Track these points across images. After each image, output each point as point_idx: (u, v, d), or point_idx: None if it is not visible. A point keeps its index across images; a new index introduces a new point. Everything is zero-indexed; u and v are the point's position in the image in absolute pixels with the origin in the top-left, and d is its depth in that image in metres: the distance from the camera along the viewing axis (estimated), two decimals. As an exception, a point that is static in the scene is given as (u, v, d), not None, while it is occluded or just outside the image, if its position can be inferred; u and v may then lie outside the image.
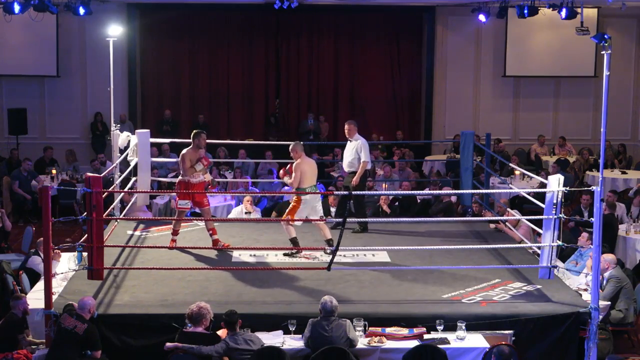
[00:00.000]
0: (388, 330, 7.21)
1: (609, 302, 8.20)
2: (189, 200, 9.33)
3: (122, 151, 10.91)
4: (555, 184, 7.75)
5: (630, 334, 8.70)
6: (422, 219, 11.37)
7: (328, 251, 8.95)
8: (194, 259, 9.15)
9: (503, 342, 7.04)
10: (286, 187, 10.48)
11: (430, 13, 18.12)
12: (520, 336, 7.38)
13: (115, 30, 11.51)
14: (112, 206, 10.28)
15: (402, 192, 12.81)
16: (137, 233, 10.24)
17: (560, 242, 7.87)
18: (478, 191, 11.22)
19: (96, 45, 16.68)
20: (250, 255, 9.28)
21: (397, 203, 12.66)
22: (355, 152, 10.19)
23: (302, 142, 9.47)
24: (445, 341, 7.09)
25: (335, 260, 8.09)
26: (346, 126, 10.30)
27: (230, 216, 11.78)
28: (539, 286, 8.19)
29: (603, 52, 7.17)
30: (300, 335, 7.13)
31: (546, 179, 8.34)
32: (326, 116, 18.44)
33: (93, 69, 17.38)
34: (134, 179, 10.88)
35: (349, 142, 10.33)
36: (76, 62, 17.53)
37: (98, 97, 17.17)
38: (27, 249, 10.60)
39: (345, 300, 7.58)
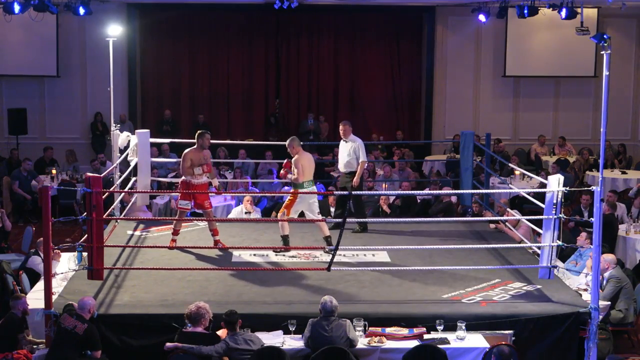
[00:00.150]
0: (388, 330, 7.21)
1: (609, 302, 8.20)
2: (190, 201, 9.32)
3: (122, 151, 10.91)
4: (555, 184, 7.75)
5: (630, 334, 8.70)
6: (422, 219, 11.36)
7: (327, 250, 8.97)
8: (194, 258, 9.15)
9: (503, 342, 7.05)
10: (286, 187, 10.49)
11: (430, 13, 18.12)
12: (520, 336, 7.38)
13: (115, 30, 11.51)
14: (112, 206, 10.28)
15: (402, 192, 12.81)
16: (137, 233, 10.23)
17: (560, 242, 7.88)
18: (478, 191, 11.22)
19: (96, 45, 16.67)
20: (250, 255, 9.29)
21: (395, 201, 12.65)
22: (352, 152, 10.21)
23: (297, 138, 9.48)
24: (445, 341, 7.09)
25: (335, 260, 8.09)
26: (341, 126, 10.32)
27: (230, 216, 11.78)
28: (539, 286, 8.19)
29: (603, 52, 7.17)
30: (300, 335, 7.13)
31: (546, 179, 8.34)
32: (326, 116, 18.45)
33: (93, 69, 17.39)
34: (133, 179, 10.88)
35: (343, 142, 10.35)
36: (76, 62, 17.54)
37: (98, 97, 17.17)
38: (27, 249, 10.60)
39: (345, 300, 7.58)
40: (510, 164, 12.45)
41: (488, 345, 7.06)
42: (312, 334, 6.99)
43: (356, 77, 18.82)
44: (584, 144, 17.25)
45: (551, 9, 15.35)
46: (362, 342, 7.09)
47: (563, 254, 9.51)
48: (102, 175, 7.92)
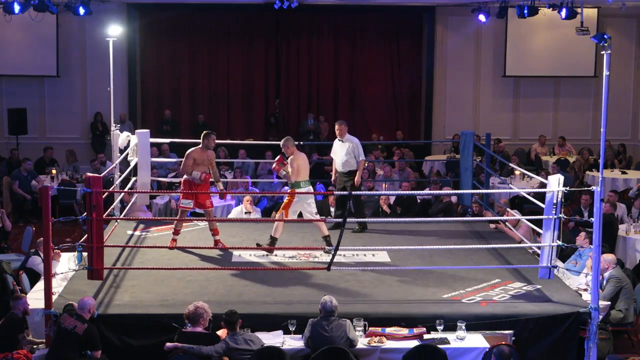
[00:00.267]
0: (388, 330, 7.21)
1: (609, 302, 8.20)
2: (192, 200, 9.33)
3: (122, 151, 10.91)
4: (555, 184, 7.75)
5: (630, 334, 8.70)
6: (422, 219, 11.36)
7: (327, 250, 8.97)
8: (194, 259, 9.15)
9: (503, 342, 7.05)
10: (286, 188, 10.49)
11: (430, 13, 18.12)
12: (520, 336, 7.38)
13: (115, 30, 11.51)
14: (112, 206, 10.28)
15: (402, 192, 12.80)
16: (137, 233, 10.23)
17: (560, 242, 7.88)
18: (478, 191, 11.22)
19: (96, 45, 16.68)
20: (251, 255, 9.28)
21: (395, 200, 12.65)
22: (350, 152, 10.22)
23: (292, 138, 9.49)
24: (445, 341, 7.09)
25: (335, 260, 8.09)
26: (337, 126, 10.33)
27: (230, 216, 11.78)
28: (539, 286, 8.19)
29: (603, 52, 7.17)
30: (300, 335, 7.12)
31: (546, 179, 8.34)
32: (326, 116, 18.42)
33: (93, 69, 17.38)
34: (133, 179, 10.88)
35: (339, 142, 10.34)
36: (76, 62, 17.53)
37: (98, 97, 17.16)
38: (27, 249, 10.60)
39: (345, 300, 7.58)
40: (510, 164, 12.45)
41: (488, 345, 7.06)
42: (312, 334, 6.99)
43: (356, 77, 18.82)
44: (584, 144, 17.25)
45: (551, 9, 15.35)
46: (362, 342, 7.08)
47: (563, 254, 9.51)
48: (102, 175, 7.93)
